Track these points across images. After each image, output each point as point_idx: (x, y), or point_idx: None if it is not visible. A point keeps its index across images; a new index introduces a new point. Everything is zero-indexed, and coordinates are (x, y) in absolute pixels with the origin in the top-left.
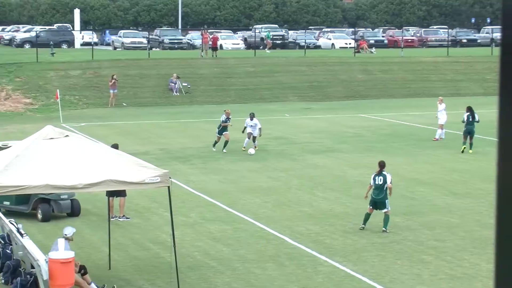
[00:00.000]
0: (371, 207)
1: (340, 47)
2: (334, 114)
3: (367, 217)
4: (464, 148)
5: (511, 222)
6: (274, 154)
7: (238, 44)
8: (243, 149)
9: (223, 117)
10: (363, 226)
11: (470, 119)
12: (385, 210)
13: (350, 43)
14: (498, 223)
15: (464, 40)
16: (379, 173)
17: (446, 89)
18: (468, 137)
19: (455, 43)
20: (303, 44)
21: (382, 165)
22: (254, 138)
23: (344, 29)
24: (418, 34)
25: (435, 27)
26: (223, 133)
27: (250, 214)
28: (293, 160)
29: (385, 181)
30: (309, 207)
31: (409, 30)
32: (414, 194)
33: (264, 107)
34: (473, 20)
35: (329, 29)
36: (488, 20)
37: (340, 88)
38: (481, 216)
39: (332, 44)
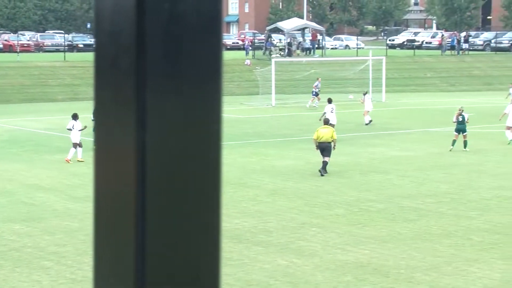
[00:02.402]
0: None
1: None
2: None
3: None
4: None
5: (106, 228)
6: None
7: None
8: None
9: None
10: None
11: None
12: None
13: None
14: (95, 229)
15: (81, 45)
16: None
17: (64, 93)
18: None
19: (72, 48)
20: None
21: None
22: None
23: None
24: (34, 39)
25: (51, 31)
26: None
27: None
28: None
29: None
30: None
31: (24, 35)
32: (33, 200)
33: None
34: (88, 25)
35: None
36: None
37: None
38: None
39: None
